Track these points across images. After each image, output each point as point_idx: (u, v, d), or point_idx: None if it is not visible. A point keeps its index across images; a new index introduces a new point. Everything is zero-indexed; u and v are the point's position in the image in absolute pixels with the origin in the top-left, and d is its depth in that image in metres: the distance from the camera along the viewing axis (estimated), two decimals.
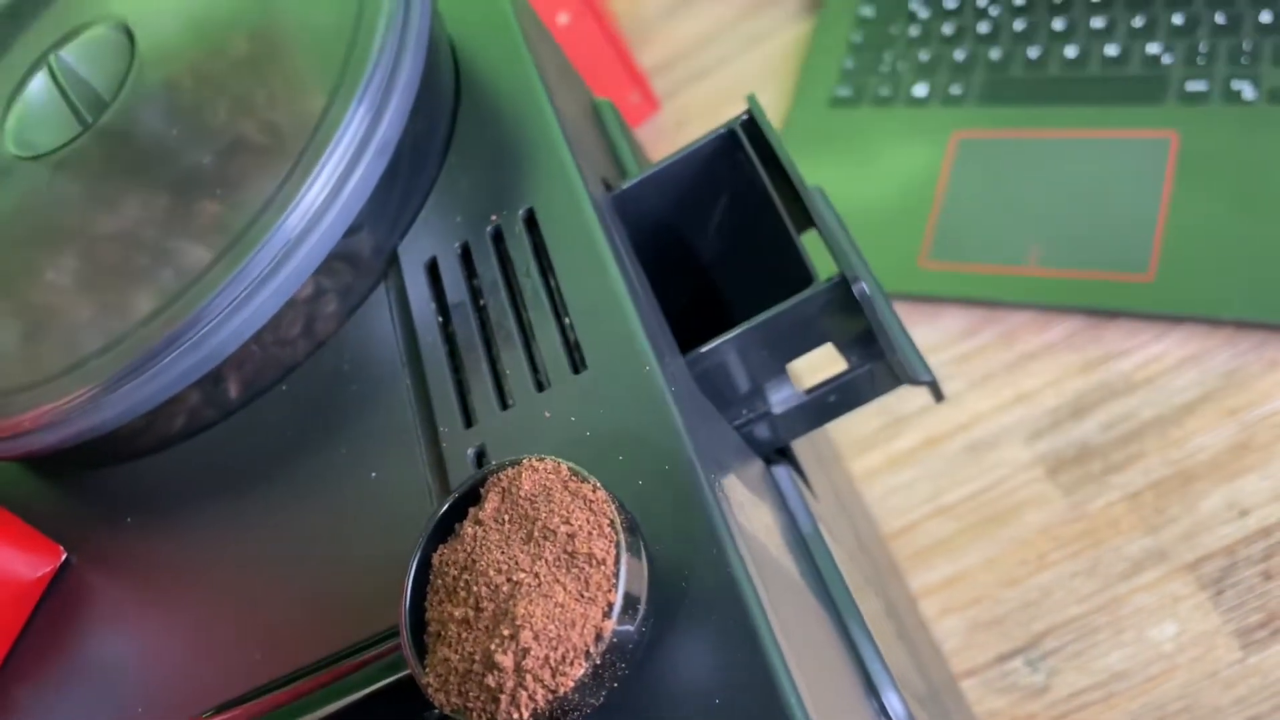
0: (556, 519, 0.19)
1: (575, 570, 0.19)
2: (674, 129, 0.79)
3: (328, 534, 0.26)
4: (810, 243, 0.30)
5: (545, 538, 0.19)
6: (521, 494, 0.20)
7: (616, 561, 0.19)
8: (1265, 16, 0.60)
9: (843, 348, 0.29)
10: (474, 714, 0.19)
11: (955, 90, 0.67)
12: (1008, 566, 0.56)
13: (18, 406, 0.27)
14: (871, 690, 0.27)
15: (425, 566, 0.21)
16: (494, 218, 0.29)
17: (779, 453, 0.33)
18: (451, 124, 0.32)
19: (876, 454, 0.61)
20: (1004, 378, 0.60)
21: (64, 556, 0.29)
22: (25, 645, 0.28)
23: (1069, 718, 0.52)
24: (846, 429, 0.63)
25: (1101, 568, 0.54)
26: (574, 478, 0.20)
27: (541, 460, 0.20)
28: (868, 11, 0.74)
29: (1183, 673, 0.50)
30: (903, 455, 0.61)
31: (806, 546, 0.29)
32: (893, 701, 0.27)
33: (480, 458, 0.25)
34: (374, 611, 0.24)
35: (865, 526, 0.51)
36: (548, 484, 0.20)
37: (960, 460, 0.60)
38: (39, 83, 0.32)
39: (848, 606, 0.28)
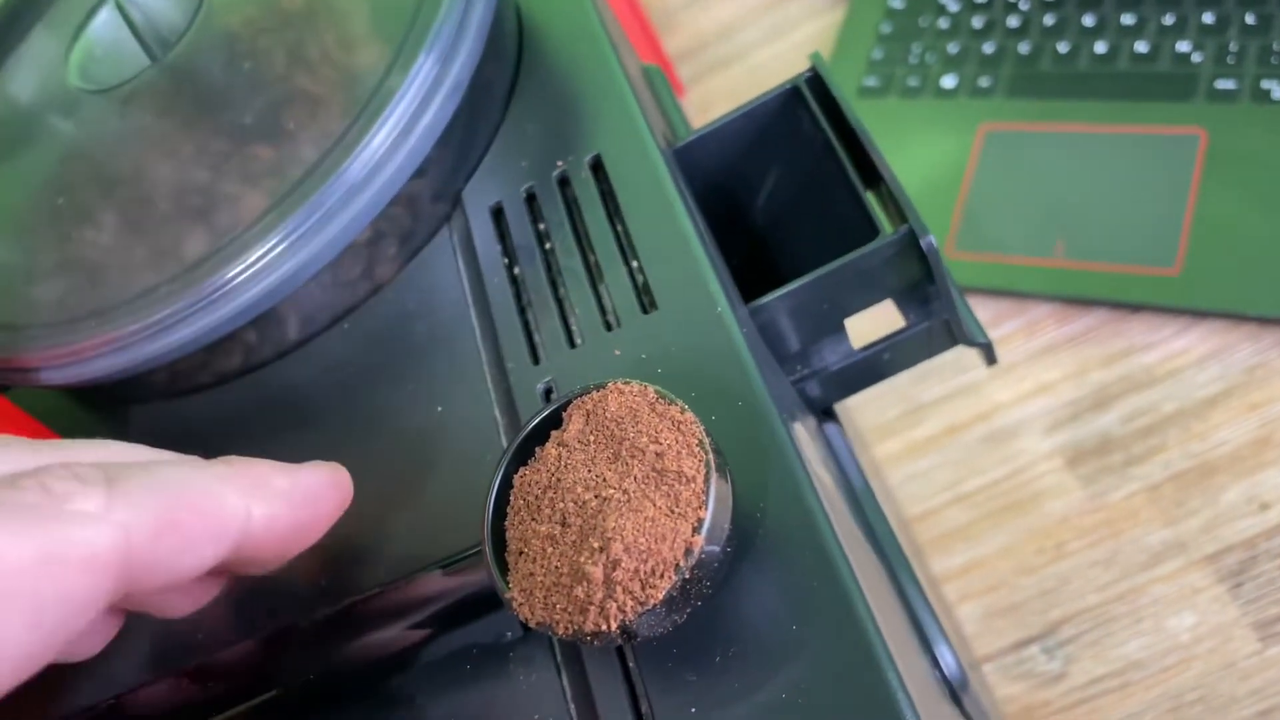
0: (645, 438, 0.19)
1: (665, 487, 0.19)
2: (699, 115, 0.79)
3: (392, 466, 0.26)
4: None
5: (633, 456, 0.19)
6: (608, 415, 0.20)
7: (706, 479, 0.19)
8: None
9: (902, 304, 0.29)
10: (560, 626, 0.19)
11: (984, 82, 0.67)
12: (1026, 555, 0.56)
13: (82, 332, 0.27)
14: (925, 643, 0.27)
15: (506, 489, 0.21)
16: (560, 164, 0.29)
17: (824, 414, 0.33)
18: (515, 73, 0.32)
19: (897, 440, 0.62)
20: (1026, 368, 0.61)
21: None
22: None
23: (1085, 705, 0.52)
24: (868, 415, 0.63)
25: (1120, 558, 0.54)
26: (661, 400, 0.20)
27: (628, 384, 0.21)
28: (897, 3, 0.74)
29: (1200, 663, 0.50)
30: (923, 442, 0.61)
31: (859, 501, 0.29)
32: (945, 654, 0.27)
33: (548, 394, 0.25)
34: (439, 541, 0.24)
35: (893, 510, 0.51)
36: (634, 406, 0.20)
37: (980, 449, 0.60)
38: (105, 16, 0.32)
39: (899, 560, 0.28)
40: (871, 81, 0.71)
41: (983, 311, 0.63)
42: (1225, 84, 0.61)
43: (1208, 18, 0.63)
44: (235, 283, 0.27)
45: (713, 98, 0.80)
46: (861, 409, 0.63)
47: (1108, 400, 0.58)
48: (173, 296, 0.27)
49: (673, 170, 0.28)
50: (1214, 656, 0.50)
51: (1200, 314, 0.57)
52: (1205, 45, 0.63)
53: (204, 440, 0.29)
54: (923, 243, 0.26)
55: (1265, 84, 0.60)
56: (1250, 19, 0.62)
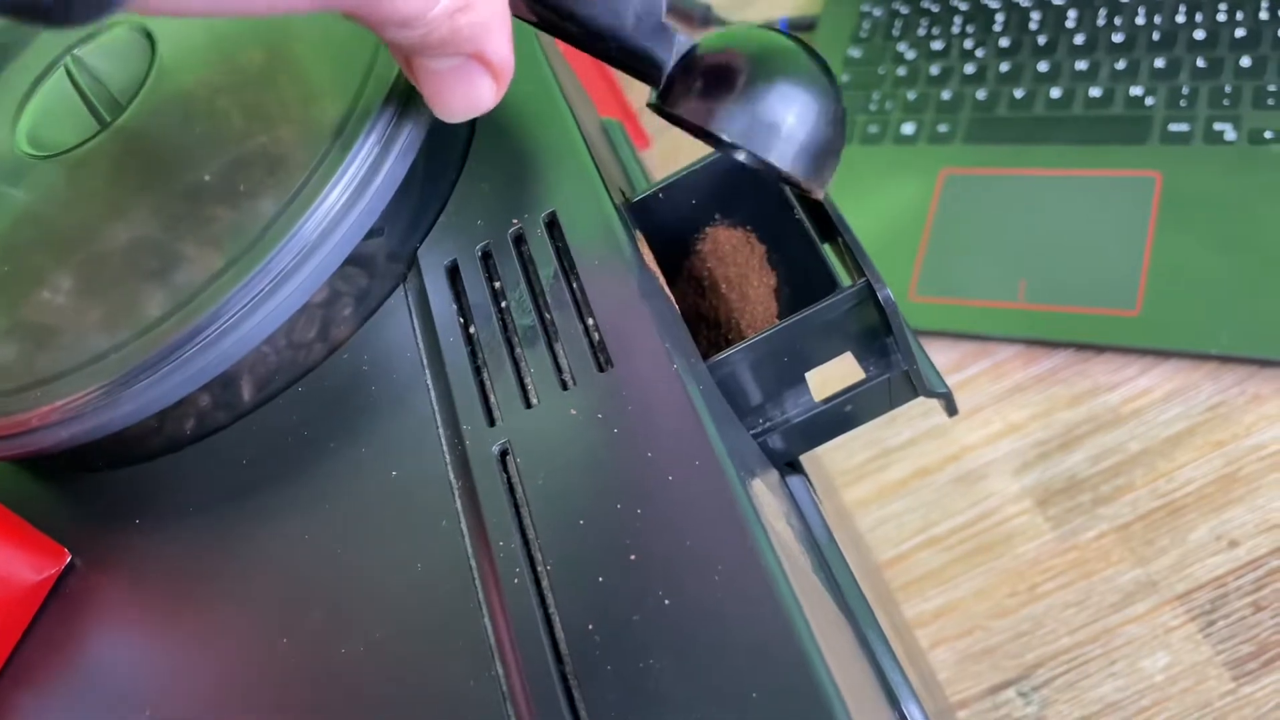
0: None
1: None
2: (664, 166, 0.80)
3: (346, 533, 0.25)
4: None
5: None
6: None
7: None
8: (1245, 60, 0.62)
9: (861, 357, 0.29)
10: None
11: (942, 128, 0.68)
12: (999, 597, 0.56)
13: (29, 402, 0.27)
14: (892, 700, 0.27)
15: None
16: (515, 222, 0.29)
17: (789, 465, 0.33)
18: (470, 131, 0.32)
19: (867, 484, 0.62)
20: (993, 410, 0.61)
21: (69, 559, 0.28)
22: (27, 648, 0.27)
23: None
24: (837, 459, 0.63)
25: (1092, 599, 0.54)
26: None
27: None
28: (855, 52, 0.75)
29: (1174, 704, 0.50)
30: (893, 486, 0.61)
31: (823, 555, 0.29)
32: (913, 711, 0.27)
33: (504, 456, 0.25)
34: (393, 610, 0.23)
35: (863, 555, 0.51)
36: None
37: (950, 492, 0.60)
38: (55, 82, 0.32)
39: (865, 615, 0.28)
40: None
41: (948, 354, 0.63)
42: (1179, 126, 0.62)
43: (1159, 62, 0.64)
44: (188, 347, 0.27)
45: (677, 149, 0.80)
46: (830, 453, 0.63)
47: (1075, 441, 0.58)
48: (124, 363, 0.27)
49: (628, 225, 0.28)
50: (1188, 697, 0.50)
51: (1162, 353, 0.58)
52: (1158, 89, 0.64)
53: (156, 508, 0.28)
54: (880, 295, 0.26)
55: (1218, 126, 0.61)
56: (1201, 62, 0.63)
